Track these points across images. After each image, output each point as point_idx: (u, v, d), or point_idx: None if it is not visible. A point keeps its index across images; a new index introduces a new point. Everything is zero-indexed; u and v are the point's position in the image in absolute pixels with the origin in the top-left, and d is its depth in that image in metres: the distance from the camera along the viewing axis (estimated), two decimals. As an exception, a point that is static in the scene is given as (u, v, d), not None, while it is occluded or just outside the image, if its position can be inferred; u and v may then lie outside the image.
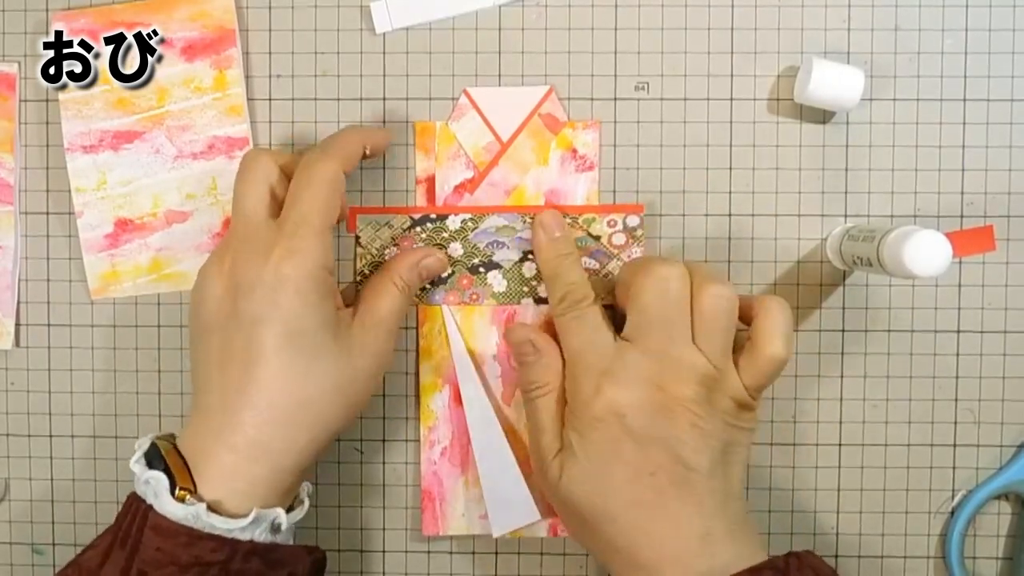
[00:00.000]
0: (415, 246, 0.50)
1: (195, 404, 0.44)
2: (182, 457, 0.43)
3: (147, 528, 0.41)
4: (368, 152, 0.47)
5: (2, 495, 0.52)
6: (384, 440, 0.51)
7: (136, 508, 0.42)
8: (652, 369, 0.43)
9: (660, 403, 0.43)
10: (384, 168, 0.51)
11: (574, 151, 0.50)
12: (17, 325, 0.52)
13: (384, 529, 0.52)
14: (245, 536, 0.42)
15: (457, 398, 0.50)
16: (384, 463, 0.51)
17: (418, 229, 0.50)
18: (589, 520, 0.44)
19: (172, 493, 0.41)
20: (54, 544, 0.52)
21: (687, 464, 0.43)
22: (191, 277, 0.50)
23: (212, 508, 0.41)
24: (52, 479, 0.52)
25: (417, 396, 0.51)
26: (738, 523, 0.43)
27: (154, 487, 0.41)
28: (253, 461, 0.42)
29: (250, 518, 0.41)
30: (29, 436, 0.52)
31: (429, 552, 0.52)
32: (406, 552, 0.52)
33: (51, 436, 0.52)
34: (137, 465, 0.43)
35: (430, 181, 0.50)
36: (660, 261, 0.44)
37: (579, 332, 0.45)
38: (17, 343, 0.52)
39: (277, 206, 0.45)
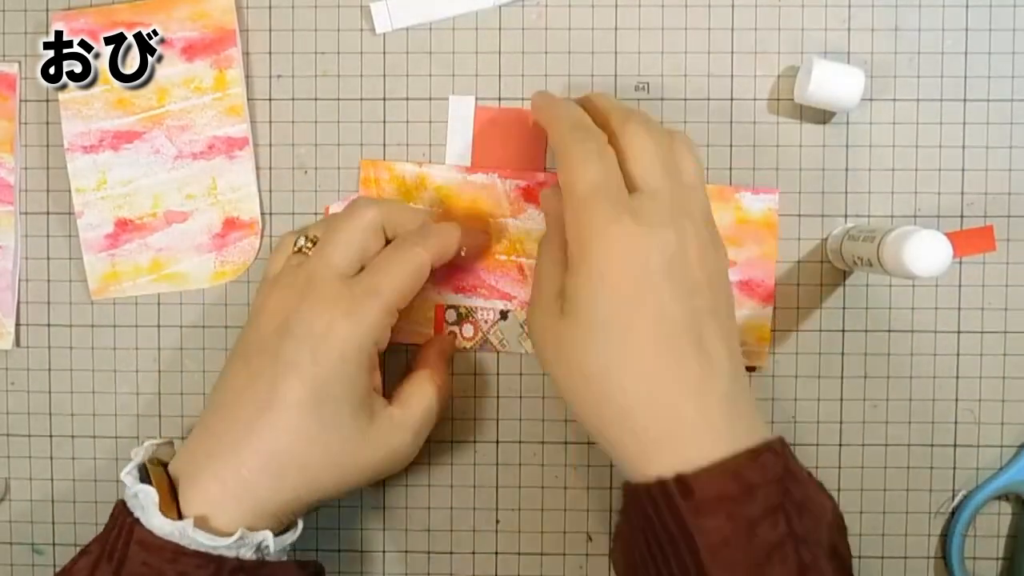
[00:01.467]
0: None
1: (202, 421, 0.44)
2: (170, 477, 0.43)
3: (133, 543, 0.41)
4: (463, 254, 0.47)
5: (2, 495, 0.52)
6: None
7: (123, 521, 0.41)
8: (669, 210, 0.39)
9: (682, 249, 0.39)
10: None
11: None
12: (17, 325, 0.52)
13: (384, 529, 0.52)
14: (231, 554, 0.41)
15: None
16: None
17: None
18: (592, 383, 0.39)
19: (160, 507, 0.41)
20: (54, 544, 0.52)
21: (708, 314, 0.39)
22: (191, 277, 0.50)
23: (198, 525, 0.41)
24: (52, 479, 0.52)
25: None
26: (743, 375, 0.40)
27: (142, 501, 0.41)
28: (236, 499, 0.42)
29: (235, 536, 0.41)
30: (29, 436, 0.52)
31: (429, 552, 0.52)
32: (406, 552, 0.52)
33: (51, 436, 0.52)
34: (128, 477, 0.42)
35: None
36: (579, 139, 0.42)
37: (591, 164, 0.40)
38: (17, 343, 0.52)
39: (360, 261, 0.44)
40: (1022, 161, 0.50)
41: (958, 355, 0.50)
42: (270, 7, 0.50)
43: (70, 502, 0.52)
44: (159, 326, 0.51)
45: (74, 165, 0.50)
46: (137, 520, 0.41)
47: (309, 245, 0.46)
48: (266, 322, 0.44)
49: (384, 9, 0.50)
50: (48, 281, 0.51)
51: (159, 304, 0.51)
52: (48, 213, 0.51)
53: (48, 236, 0.51)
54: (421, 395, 0.46)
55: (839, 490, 0.51)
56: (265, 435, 0.42)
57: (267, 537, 0.42)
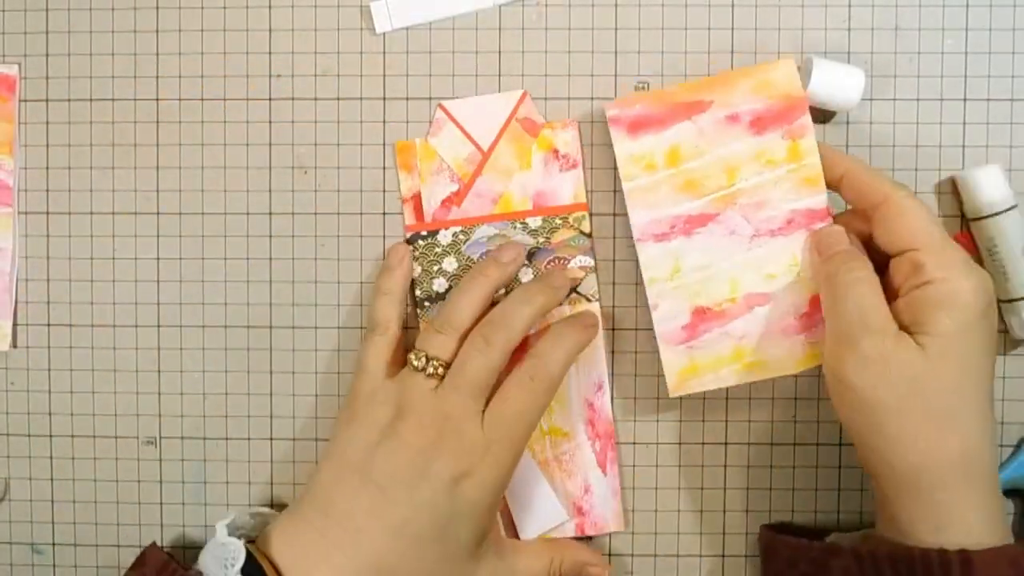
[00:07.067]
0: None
1: (308, 516, 0.44)
2: (271, 562, 0.44)
3: None
4: None
5: (2, 495, 0.52)
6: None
7: None
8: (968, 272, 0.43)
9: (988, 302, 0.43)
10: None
11: (555, 151, 0.50)
12: (15, 326, 0.52)
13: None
14: None
15: None
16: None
17: (411, 247, 0.50)
18: (931, 422, 0.42)
19: None
20: (54, 544, 0.52)
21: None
22: (777, 365, 0.48)
23: None
24: (52, 479, 0.52)
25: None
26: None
27: None
28: None
29: None
30: (29, 436, 0.52)
31: (429, 552, 0.52)
32: (406, 552, 0.52)
33: (51, 436, 0.52)
34: (226, 570, 0.43)
35: (416, 199, 0.50)
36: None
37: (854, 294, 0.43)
38: (15, 344, 0.52)
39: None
40: (1022, 161, 0.50)
41: (958, 355, 0.50)
42: (270, 7, 0.50)
43: (70, 502, 0.52)
44: (159, 326, 0.51)
45: (646, 255, 0.48)
46: None
47: (439, 370, 0.45)
48: (399, 451, 0.44)
49: (384, 9, 0.50)
50: (48, 281, 0.51)
51: (159, 304, 0.51)
52: (48, 213, 0.51)
53: (48, 236, 0.51)
54: (533, 565, 0.48)
55: (839, 490, 0.51)
56: (388, 557, 0.43)
57: None
